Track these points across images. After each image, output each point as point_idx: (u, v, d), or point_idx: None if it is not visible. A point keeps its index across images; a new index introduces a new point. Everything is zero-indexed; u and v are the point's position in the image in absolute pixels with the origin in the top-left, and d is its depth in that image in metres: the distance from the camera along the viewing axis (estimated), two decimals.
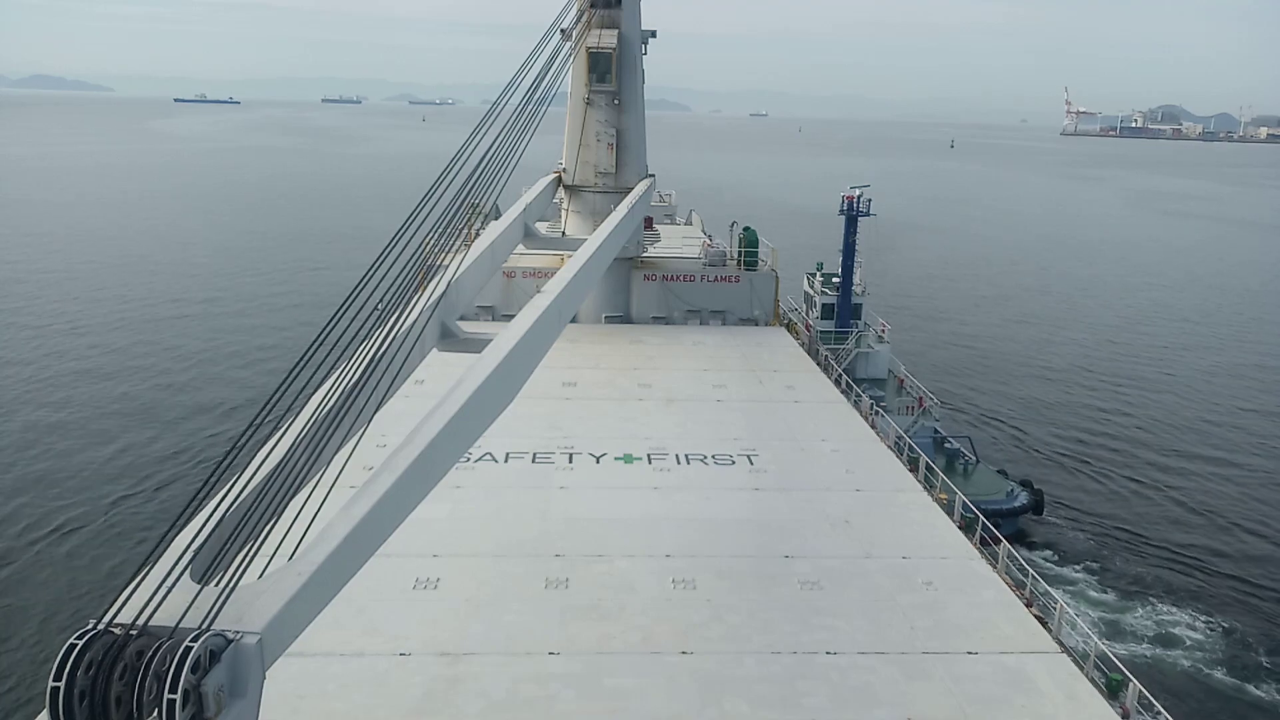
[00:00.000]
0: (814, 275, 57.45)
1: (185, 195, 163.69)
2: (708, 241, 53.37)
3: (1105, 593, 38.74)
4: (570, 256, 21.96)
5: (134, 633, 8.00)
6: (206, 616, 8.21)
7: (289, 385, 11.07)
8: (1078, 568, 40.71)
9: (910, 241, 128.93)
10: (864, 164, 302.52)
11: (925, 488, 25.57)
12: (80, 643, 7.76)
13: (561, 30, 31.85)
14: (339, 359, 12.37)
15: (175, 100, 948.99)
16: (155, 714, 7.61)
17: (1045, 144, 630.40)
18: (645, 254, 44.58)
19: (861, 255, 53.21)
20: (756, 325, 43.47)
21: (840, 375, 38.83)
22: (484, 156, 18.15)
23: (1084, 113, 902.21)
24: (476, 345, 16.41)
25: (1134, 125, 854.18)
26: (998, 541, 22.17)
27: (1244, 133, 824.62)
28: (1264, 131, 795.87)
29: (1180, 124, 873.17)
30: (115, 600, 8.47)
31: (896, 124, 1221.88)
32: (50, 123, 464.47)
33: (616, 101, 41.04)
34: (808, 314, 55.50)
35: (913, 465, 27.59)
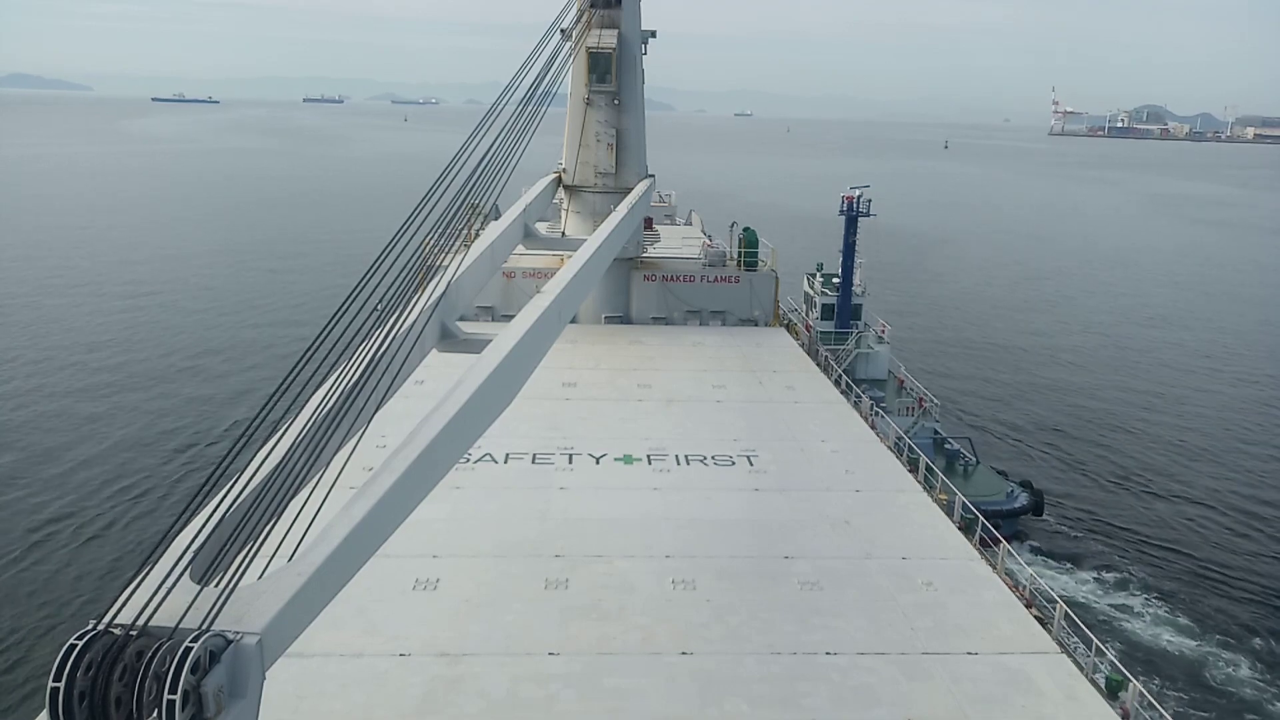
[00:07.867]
0: (814, 276, 57.43)
1: (129, 202, 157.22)
2: (707, 242, 53.36)
3: (1105, 593, 38.72)
4: (570, 257, 21.97)
5: (134, 633, 8.00)
6: (206, 617, 8.21)
7: (289, 385, 11.06)
8: (1078, 568, 40.67)
9: (928, 256, 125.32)
10: (863, 165, 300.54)
11: (925, 488, 25.59)
12: (80, 643, 7.76)
13: (561, 30, 31.84)
14: (339, 359, 12.37)
15: (153, 99, 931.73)
16: (155, 714, 7.61)
17: (1037, 144, 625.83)
18: (645, 254, 44.58)
19: (861, 255, 53.19)
20: (756, 326, 43.46)
21: (840, 376, 38.84)
22: (484, 157, 18.13)
23: (1071, 112, 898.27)
24: (476, 345, 16.40)
25: (1120, 125, 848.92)
26: (997, 542, 22.18)
27: (1231, 133, 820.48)
28: (1251, 132, 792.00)
29: (1165, 124, 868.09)
30: (115, 600, 8.47)
31: (885, 124, 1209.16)
32: (13, 123, 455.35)
33: (616, 102, 41.06)
34: (808, 314, 55.45)
35: (913, 466, 27.59)
